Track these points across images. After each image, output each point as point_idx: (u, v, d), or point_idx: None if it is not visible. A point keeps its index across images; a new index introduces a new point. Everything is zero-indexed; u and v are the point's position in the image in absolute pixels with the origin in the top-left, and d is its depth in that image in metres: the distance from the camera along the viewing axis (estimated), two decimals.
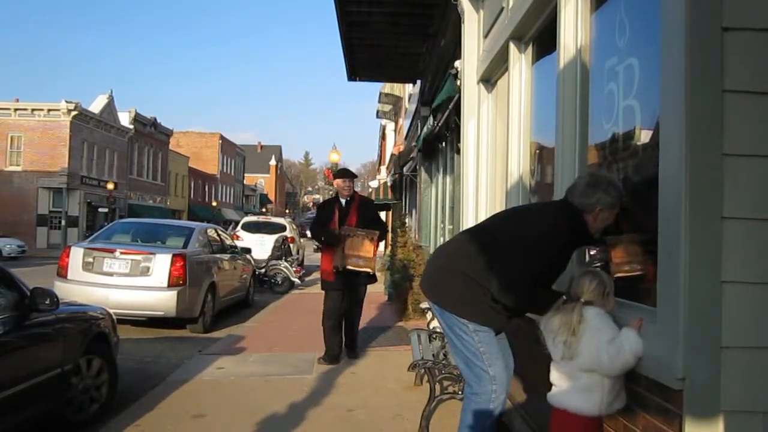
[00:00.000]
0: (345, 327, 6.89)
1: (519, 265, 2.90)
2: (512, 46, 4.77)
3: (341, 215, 6.72)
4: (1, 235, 29.50)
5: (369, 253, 6.52)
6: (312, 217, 8.81)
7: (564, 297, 2.80)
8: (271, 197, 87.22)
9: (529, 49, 4.67)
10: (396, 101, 26.36)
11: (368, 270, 6.60)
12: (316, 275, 14.70)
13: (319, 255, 8.08)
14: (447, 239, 8.19)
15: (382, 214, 34.72)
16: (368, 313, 10.41)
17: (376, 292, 12.96)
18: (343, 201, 6.85)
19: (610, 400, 2.64)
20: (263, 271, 14.99)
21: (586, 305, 2.67)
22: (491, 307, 3.00)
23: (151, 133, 47.89)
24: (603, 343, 2.56)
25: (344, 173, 7.12)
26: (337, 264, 6.47)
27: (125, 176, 43.76)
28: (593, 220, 2.87)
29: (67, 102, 36.96)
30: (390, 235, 15.55)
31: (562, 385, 2.73)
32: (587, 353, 2.59)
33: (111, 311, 5.42)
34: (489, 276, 2.95)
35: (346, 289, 6.73)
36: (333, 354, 6.70)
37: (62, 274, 8.61)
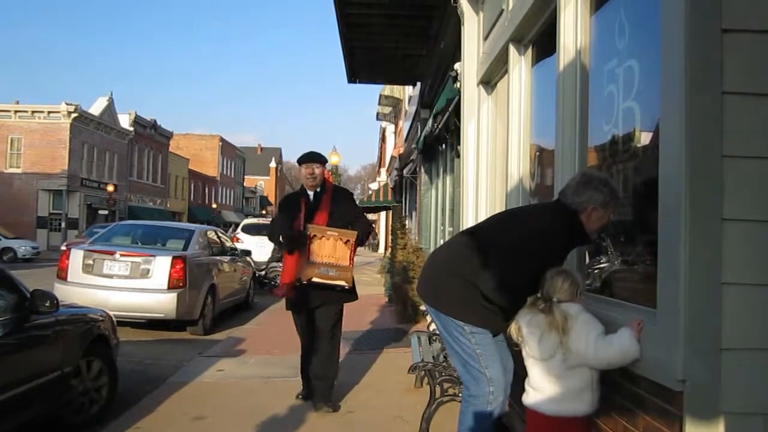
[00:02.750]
0: (314, 362, 5.08)
1: (512, 267, 2.90)
2: (512, 48, 4.78)
3: (308, 212, 5.08)
4: (15, 237, 29.45)
5: (343, 260, 4.89)
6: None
7: (538, 295, 2.81)
8: (272, 199, 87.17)
9: (529, 51, 4.67)
10: (396, 103, 26.38)
11: (342, 283, 4.89)
12: None
13: None
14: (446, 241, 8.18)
15: (382, 216, 34.44)
16: (368, 315, 10.42)
17: (377, 294, 12.97)
18: (310, 194, 5.19)
19: (597, 397, 2.70)
20: (263, 273, 14.98)
21: (562, 303, 2.70)
22: (487, 309, 3.00)
23: (151, 135, 47.92)
24: (592, 337, 2.60)
25: (307, 157, 5.20)
26: (299, 275, 4.86)
27: (125, 178, 43.79)
28: (587, 220, 2.86)
29: (67, 104, 37.01)
30: (390, 237, 15.53)
31: (551, 390, 2.71)
32: (575, 349, 2.62)
33: (111, 313, 5.42)
34: (483, 277, 2.95)
35: (314, 309, 5.05)
36: (304, 388, 5.33)
37: (62, 276, 8.61)
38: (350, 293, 5.08)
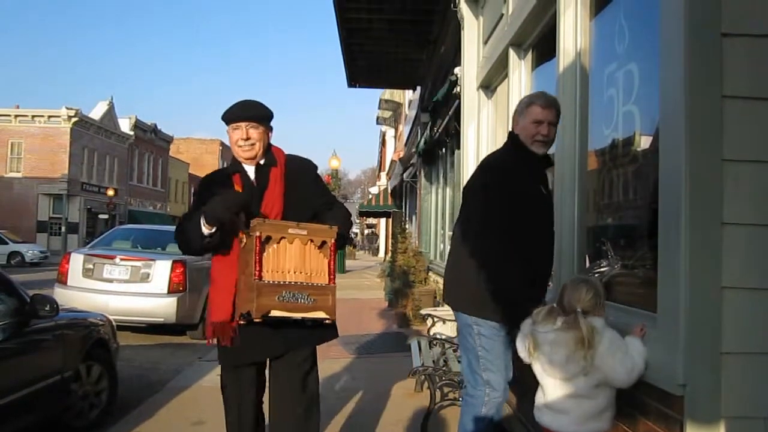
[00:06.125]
0: None
1: (492, 215, 2.88)
2: (512, 53, 4.79)
3: (247, 198, 2.96)
4: (23, 241, 29.48)
5: (319, 275, 2.93)
6: None
7: (554, 305, 2.69)
8: None
9: (529, 55, 4.68)
10: (396, 108, 26.44)
11: (320, 315, 2.89)
12: None
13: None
14: (447, 245, 8.18)
15: (382, 220, 34.04)
16: (368, 319, 10.41)
17: (377, 298, 12.95)
18: (249, 169, 3.07)
19: (614, 415, 2.59)
20: None
21: (585, 315, 2.54)
22: (489, 293, 2.89)
23: (151, 140, 47.99)
24: (619, 356, 2.45)
25: (234, 113, 3.01)
26: (245, 309, 2.79)
27: (125, 183, 43.83)
28: (519, 131, 3.05)
29: (67, 108, 37.10)
30: (390, 241, 15.51)
31: (576, 411, 2.54)
32: (603, 366, 2.47)
33: (111, 318, 5.42)
34: (473, 251, 2.95)
35: (272, 361, 3.05)
36: None
37: (62, 280, 8.60)
38: (328, 327, 3.02)
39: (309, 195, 3.09)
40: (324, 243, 2.95)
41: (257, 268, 2.79)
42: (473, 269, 2.94)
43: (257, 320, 2.77)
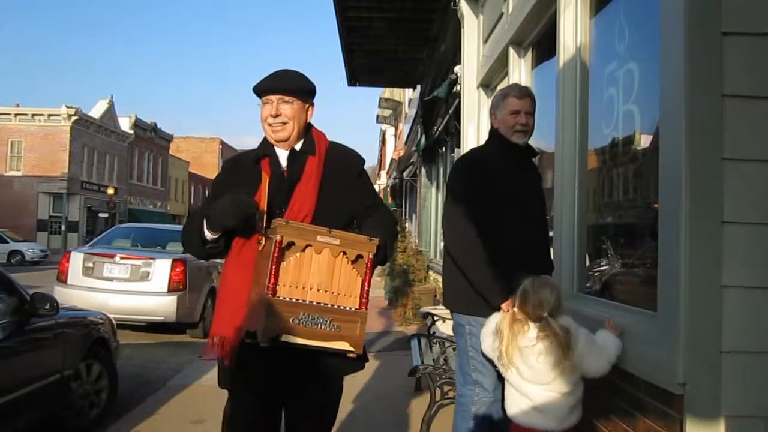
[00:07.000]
0: None
1: (458, 206, 2.93)
2: (512, 51, 4.79)
3: (275, 191, 2.40)
4: (23, 240, 29.48)
5: (349, 296, 2.36)
6: None
7: (515, 310, 2.64)
8: None
9: (529, 54, 4.68)
10: (396, 106, 26.41)
11: (345, 347, 2.34)
12: None
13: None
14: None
15: None
16: (368, 318, 10.38)
17: (376, 297, 12.95)
18: (281, 153, 2.49)
19: None
20: None
21: (552, 316, 2.54)
22: (470, 288, 2.89)
23: (151, 138, 47.99)
24: (596, 350, 2.56)
25: (268, 84, 2.44)
26: (252, 328, 2.24)
27: (125, 181, 43.83)
28: (497, 126, 3.03)
29: (67, 107, 37.11)
30: None
31: (561, 408, 2.57)
32: (586, 363, 2.55)
33: (111, 316, 5.42)
34: (449, 247, 3.00)
35: (285, 393, 2.48)
36: None
37: (62, 279, 8.61)
38: (358, 361, 2.50)
39: (350, 195, 2.49)
40: (359, 257, 2.36)
41: (271, 281, 2.25)
42: (454, 267, 2.95)
43: (264, 344, 2.22)
